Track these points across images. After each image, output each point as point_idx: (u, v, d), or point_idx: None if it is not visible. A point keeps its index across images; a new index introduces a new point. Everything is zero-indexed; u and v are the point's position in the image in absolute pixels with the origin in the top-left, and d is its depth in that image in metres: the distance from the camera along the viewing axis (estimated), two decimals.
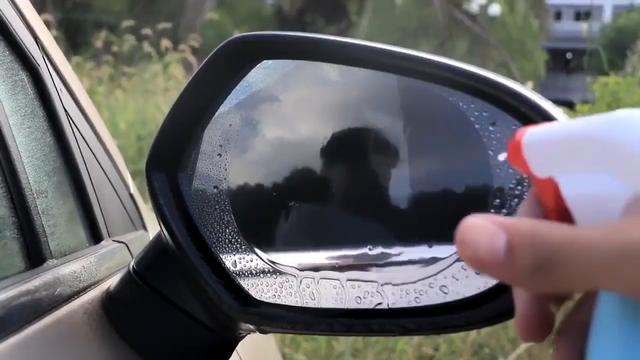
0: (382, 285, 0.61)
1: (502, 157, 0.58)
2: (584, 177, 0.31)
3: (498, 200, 0.58)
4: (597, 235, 0.29)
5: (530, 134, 0.33)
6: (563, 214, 0.32)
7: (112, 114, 6.39)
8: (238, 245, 0.65)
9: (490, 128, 0.58)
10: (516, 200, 0.57)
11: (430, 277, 0.60)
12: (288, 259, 0.64)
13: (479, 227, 0.31)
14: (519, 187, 0.57)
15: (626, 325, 0.29)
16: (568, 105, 5.41)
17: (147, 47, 7.88)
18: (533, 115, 0.55)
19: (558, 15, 28.98)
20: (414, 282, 0.61)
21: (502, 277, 0.31)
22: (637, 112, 0.30)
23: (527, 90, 0.57)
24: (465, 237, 0.31)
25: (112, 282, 0.72)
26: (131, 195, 1.00)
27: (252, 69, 0.64)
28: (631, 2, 22.55)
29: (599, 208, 0.31)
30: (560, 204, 0.32)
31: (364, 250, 0.62)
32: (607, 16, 26.69)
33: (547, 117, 0.55)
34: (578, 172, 0.31)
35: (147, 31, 7.96)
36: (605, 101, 4.73)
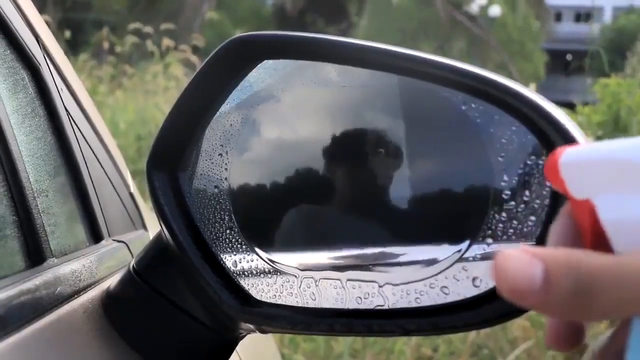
0: (382, 286, 0.61)
1: (502, 157, 0.58)
2: (622, 200, 0.31)
3: (498, 201, 0.58)
4: (635, 261, 0.29)
5: (569, 154, 0.33)
6: (598, 236, 0.32)
7: (112, 114, 6.39)
8: (238, 245, 0.65)
9: (491, 130, 0.58)
10: (516, 200, 0.57)
11: (430, 277, 0.60)
12: (288, 259, 0.64)
13: (514, 257, 0.31)
14: (521, 187, 0.57)
15: None
16: (569, 106, 5.41)
17: (149, 46, 7.88)
18: (534, 116, 0.55)
19: (558, 17, 28.98)
20: (414, 283, 0.61)
21: (540, 307, 0.31)
22: None
23: (528, 91, 0.57)
24: (502, 267, 0.31)
25: (112, 281, 0.72)
26: (131, 195, 1.00)
27: (253, 68, 0.64)
28: (631, 3, 22.55)
29: (637, 233, 0.31)
30: (596, 226, 0.32)
31: (365, 250, 0.62)
32: (607, 17, 26.70)
33: (548, 118, 0.55)
34: (616, 195, 0.31)
35: (148, 29, 7.96)
36: (606, 102, 4.73)
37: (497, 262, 0.31)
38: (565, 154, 0.33)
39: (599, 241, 0.32)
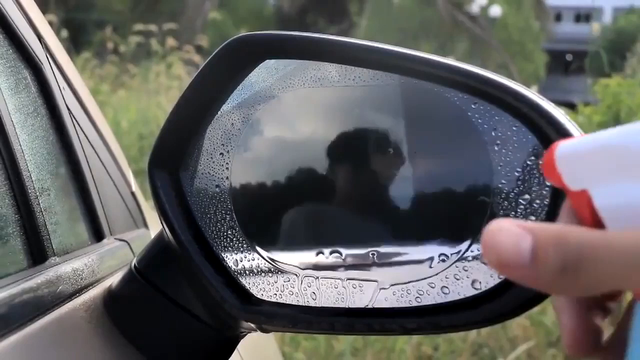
0: (383, 285, 0.61)
1: (503, 157, 0.58)
2: (616, 187, 0.31)
3: (499, 201, 0.58)
4: (625, 237, 0.29)
5: (563, 147, 0.34)
6: (599, 227, 0.32)
7: (115, 113, 6.40)
8: (240, 244, 0.65)
9: (492, 130, 0.58)
10: (516, 201, 0.58)
11: (431, 277, 0.60)
12: (289, 258, 0.64)
13: (504, 230, 0.31)
14: (521, 187, 0.58)
15: None
16: (570, 106, 5.40)
17: (153, 46, 7.88)
18: (534, 116, 0.56)
19: (558, 17, 28.95)
20: (415, 282, 0.61)
21: (528, 281, 0.31)
22: None
23: (528, 91, 0.57)
24: (490, 240, 0.31)
25: (114, 280, 0.72)
26: (133, 194, 1.00)
27: (254, 68, 0.64)
28: (631, 4, 22.52)
29: (631, 217, 0.31)
30: (595, 216, 0.32)
31: (365, 249, 0.62)
32: (607, 18, 26.68)
33: (549, 119, 0.55)
34: (610, 182, 0.32)
35: (152, 28, 7.97)
36: (606, 102, 4.73)
37: (487, 233, 0.31)
38: (560, 148, 0.34)
39: None
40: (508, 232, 0.31)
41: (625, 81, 4.91)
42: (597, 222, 0.32)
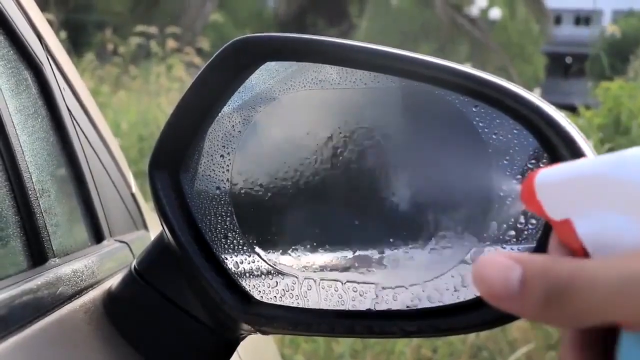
0: (383, 287, 0.61)
1: (504, 160, 0.58)
2: (597, 216, 0.31)
3: (499, 204, 0.58)
4: (605, 266, 0.29)
5: (542, 175, 0.33)
6: (587, 255, 0.32)
7: (115, 114, 6.40)
8: (240, 246, 0.65)
9: (493, 133, 0.58)
10: (517, 204, 0.58)
11: (431, 280, 0.60)
12: (289, 260, 0.64)
13: (495, 262, 0.31)
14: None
15: None
16: (570, 109, 5.40)
17: (153, 47, 7.88)
18: (535, 118, 0.56)
19: (558, 20, 28.97)
20: (415, 285, 0.61)
21: (517, 311, 0.31)
22: None
23: (528, 94, 0.57)
24: (482, 272, 0.32)
25: (114, 281, 0.72)
26: (133, 195, 1.00)
27: (255, 70, 0.64)
28: (631, 7, 22.54)
29: (613, 246, 0.31)
30: (582, 245, 0.32)
31: (365, 252, 0.62)
32: (607, 21, 26.69)
33: (550, 122, 0.55)
34: (592, 211, 0.32)
35: (153, 29, 7.97)
36: (607, 106, 4.73)
37: (478, 266, 0.32)
38: (539, 176, 0.33)
39: None
40: (498, 264, 0.31)
41: (627, 84, 4.91)
42: (585, 251, 0.32)
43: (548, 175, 0.33)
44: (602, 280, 0.29)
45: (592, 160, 0.32)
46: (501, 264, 0.31)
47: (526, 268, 0.31)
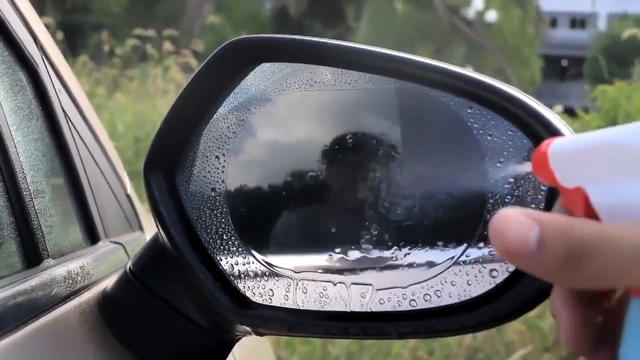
0: (377, 289, 0.61)
1: (498, 162, 0.58)
2: (613, 185, 0.31)
3: (494, 205, 0.58)
4: (626, 232, 0.30)
5: (557, 144, 0.34)
6: None
7: (111, 116, 6.39)
8: (235, 248, 0.65)
9: (488, 134, 0.58)
10: (512, 205, 0.58)
11: (426, 281, 0.60)
12: (285, 262, 0.64)
13: (512, 218, 0.31)
14: (515, 191, 0.58)
15: None
16: (569, 112, 5.40)
17: (149, 49, 7.88)
18: (530, 120, 0.56)
19: (553, 22, 29.01)
20: (410, 286, 0.61)
21: (533, 269, 0.31)
22: None
23: (523, 95, 0.57)
24: (499, 227, 0.31)
25: (109, 282, 0.72)
26: (128, 196, 1.00)
27: (250, 71, 0.64)
28: (625, 10, 22.58)
29: (630, 215, 0.31)
30: (590, 213, 0.32)
31: (360, 253, 0.62)
32: (602, 24, 26.75)
33: (544, 123, 0.55)
34: (607, 180, 0.32)
35: (150, 32, 7.96)
36: (604, 108, 4.73)
37: (496, 220, 0.32)
38: (553, 145, 0.34)
39: None
40: (516, 221, 0.31)
41: (626, 87, 4.90)
42: (593, 219, 0.32)
43: (562, 144, 0.34)
44: (624, 245, 0.29)
45: (607, 130, 0.32)
46: (519, 221, 0.31)
47: (545, 228, 0.31)
